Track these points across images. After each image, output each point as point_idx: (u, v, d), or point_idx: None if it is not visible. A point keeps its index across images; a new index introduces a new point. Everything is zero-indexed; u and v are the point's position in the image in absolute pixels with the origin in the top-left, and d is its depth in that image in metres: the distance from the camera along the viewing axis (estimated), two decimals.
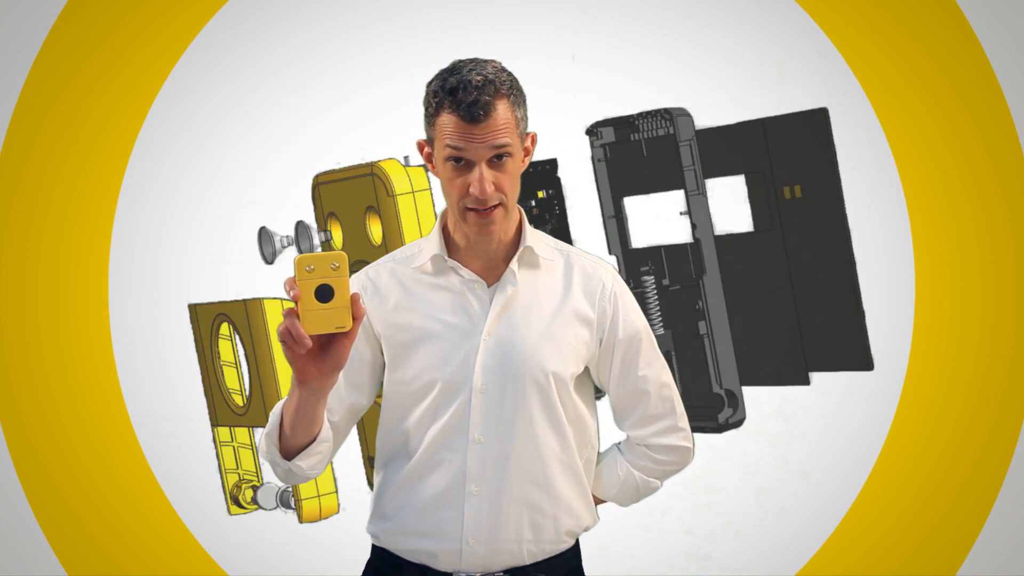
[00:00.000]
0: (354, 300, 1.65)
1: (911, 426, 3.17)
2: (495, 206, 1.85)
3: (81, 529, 3.19)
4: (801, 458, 3.33)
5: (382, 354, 1.98)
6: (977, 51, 3.02)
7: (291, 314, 1.65)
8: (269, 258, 3.17)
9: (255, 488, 3.31)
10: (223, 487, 3.32)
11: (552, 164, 3.28)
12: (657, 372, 2.04)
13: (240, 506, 3.32)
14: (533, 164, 3.23)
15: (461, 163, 1.84)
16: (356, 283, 1.99)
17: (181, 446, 3.30)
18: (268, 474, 3.35)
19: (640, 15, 3.25)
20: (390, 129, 3.22)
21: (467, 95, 1.81)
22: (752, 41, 3.19)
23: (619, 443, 2.14)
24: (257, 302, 3.20)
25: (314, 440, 1.87)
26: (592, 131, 3.27)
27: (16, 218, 3.13)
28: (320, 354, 1.71)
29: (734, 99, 3.29)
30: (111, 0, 3.14)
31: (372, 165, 3.13)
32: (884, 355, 3.20)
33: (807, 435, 3.32)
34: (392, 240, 3.10)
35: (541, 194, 3.26)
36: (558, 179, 3.28)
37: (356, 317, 1.66)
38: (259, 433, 1.89)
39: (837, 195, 3.09)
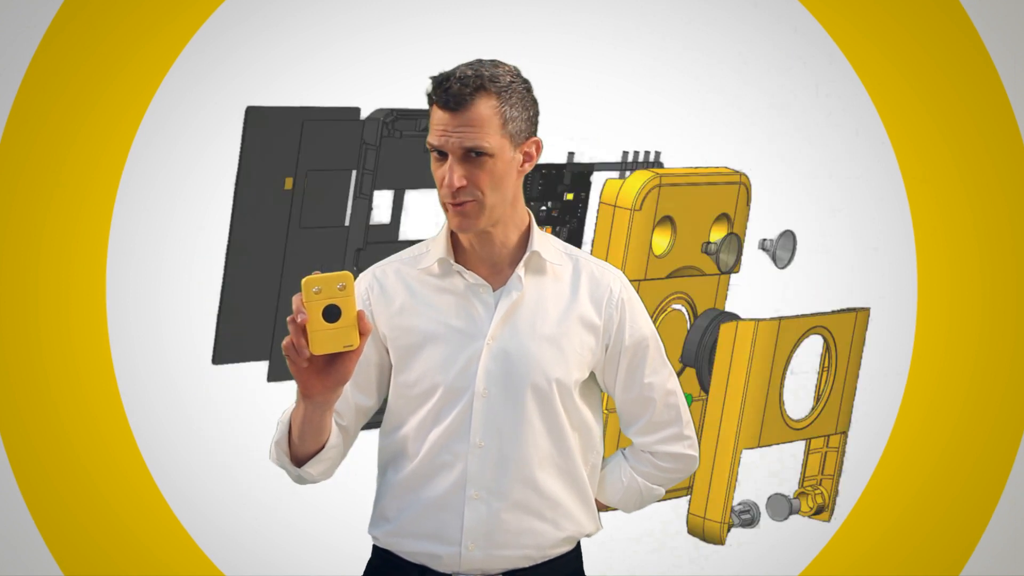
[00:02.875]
0: (360, 317, 1.67)
1: (914, 426, 3.18)
2: (469, 201, 1.85)
3: (78, 529, 3.19)
4: (802, 458, 3.34)
5: (388, 355, 1.98)
6: (981, 51, 3.02)
7: (297, 330, 1.66)
8: None
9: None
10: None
11: (588, 168, 3.27)
12: (663, 379, 2.04)
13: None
14: (566, 167, 3.22)
15: (440, 156, 1.85)
16: (363, 282, 1.99)
17: (179, 446, 3.29)
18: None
19: (629, 11, 3.25)
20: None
21: (450, 86, 1.81)
22: (753, 41, 3.19)
23: (624, 449, 2.14)
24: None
25: (323, 447, 1.88)
26: None
27: (15, 218, 3.12)
28: (326, 368, 1.72)
29: (731, 96, 3.29)
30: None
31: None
32: (886, 355, 3.21)
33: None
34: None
35: (570, 196, 3.25)
36: (590, 182, 3.27)
37: (363, 333, 1.68)
38: None
39: None
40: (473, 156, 1.83)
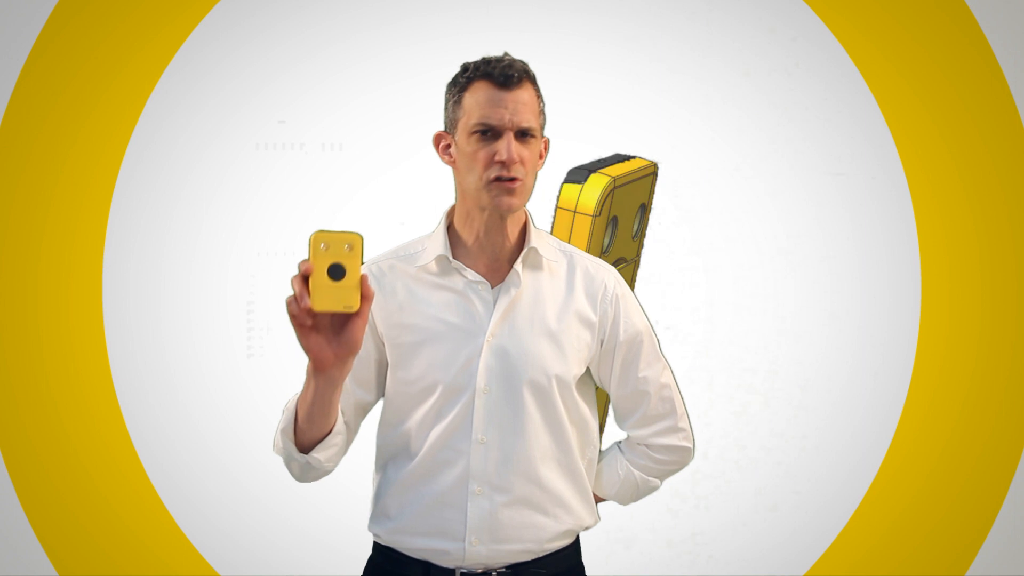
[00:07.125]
0: (363, 281, 1.65)
1: (917, 425, 3.17)
2: (519, 179, 1.88)
3: (74, 530, 3.18)
4: (805, 459, 3.33)
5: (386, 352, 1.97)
6: (985, 52, 3.02)
7: (300, 280, 1.64)
8: None
9: None
10: None
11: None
12: (657, 373, 2.05)
13: None
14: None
15: (487, 134, 1.87)
16: None
17: (176, 445, 3.28)
18: None
19: (629, 11, 3.25)
20: (390, 129, 3.21)
21: (502, 65, 1.88)
22: (754, 40, 3.19)
23: (620, 442, 2.15)
24: None
25: (330, 431, 1.87)
26: None
27: (13, 217, 3.12)
28: (334, 337, 1.69)
29: (737, 99, 3.28)
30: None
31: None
32: (889, 354, 3.20)
33: (810, 437, 3.32)
34: None
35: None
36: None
37: (365, 297, 1.65)
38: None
39: None
40: (521, 137, 1.88)
